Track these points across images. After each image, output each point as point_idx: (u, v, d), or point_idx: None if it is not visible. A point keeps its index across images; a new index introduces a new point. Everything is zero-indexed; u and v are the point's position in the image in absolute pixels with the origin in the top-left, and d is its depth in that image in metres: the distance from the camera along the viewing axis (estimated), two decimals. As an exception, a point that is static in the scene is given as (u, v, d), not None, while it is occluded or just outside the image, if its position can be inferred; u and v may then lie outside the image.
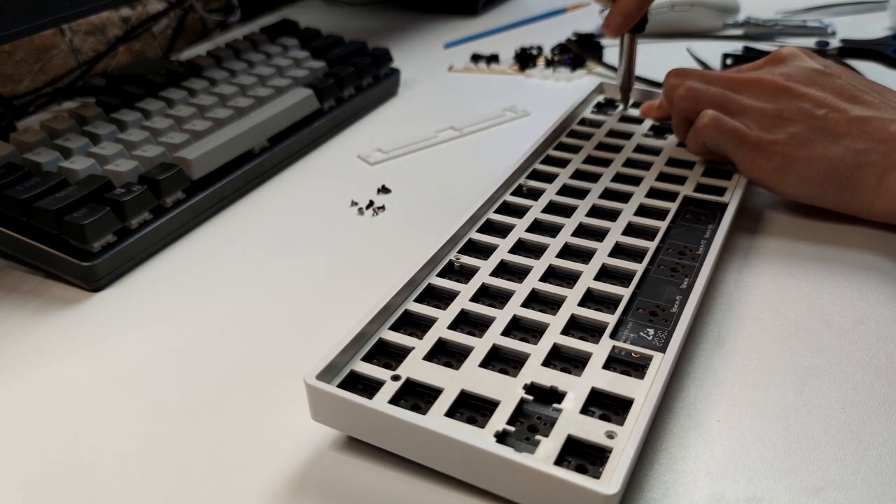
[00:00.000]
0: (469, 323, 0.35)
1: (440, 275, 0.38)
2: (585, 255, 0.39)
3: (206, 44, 0.80)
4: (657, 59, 0.69)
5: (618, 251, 0.39)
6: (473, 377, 0.31)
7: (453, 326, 0.34)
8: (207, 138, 0.50)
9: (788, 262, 0.41)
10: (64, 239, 0.42)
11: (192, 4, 0.79)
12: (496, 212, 0.43)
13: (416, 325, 0.35)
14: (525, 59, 0.70)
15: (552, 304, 0.36)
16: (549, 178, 0.46)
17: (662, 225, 0.41)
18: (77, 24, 0.70)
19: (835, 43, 0.69)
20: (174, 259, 0.45)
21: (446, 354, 0.33)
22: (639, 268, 0.37)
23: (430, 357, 0.32)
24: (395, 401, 0.30)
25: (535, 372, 0.31)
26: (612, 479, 0.26)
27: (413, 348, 0.33)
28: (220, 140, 0.50)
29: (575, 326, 0.34)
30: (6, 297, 0.42)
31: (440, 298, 0.36)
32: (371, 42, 0.68)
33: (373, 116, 0.62)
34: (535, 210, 0.43)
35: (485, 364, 0.32)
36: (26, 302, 0.42)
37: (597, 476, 0.27)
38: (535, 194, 0.44)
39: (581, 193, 0.44)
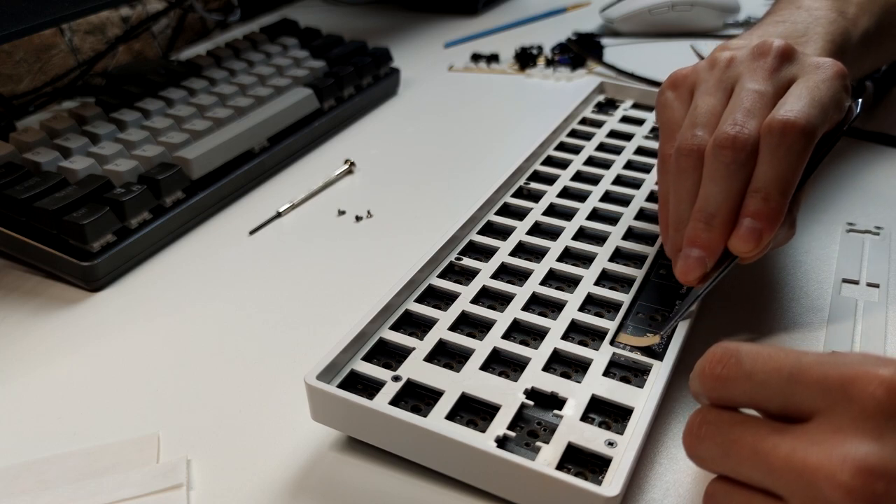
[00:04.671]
0: (470, 324, 0.35)
1: (441, 276, 0.38)
2: (586, 259, 0.39)
3: (206, 43, 0.80)
4: (657, 59, 0.69)
5: (618, 255, 0.39)
6: (474, 380, 0.31)
7: (454, 328, 0.34)
8: (207, 138, 0.50)
9: (789, 263, 0.41)
10: (64, 239, 0.42)
11: (192, 4, 0.79)
12: (497, 213, 0.43)
13: (416, 325, 0.35)
14: (525, 58, 0.70)
15: (553, 308, 0.36)
16: (551, 179, 0.46)
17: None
18: (77, 23, 0.70)
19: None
20: (174, 259, 0.45)
21: (447, 356, 0.33)
22: (639, 273, 0.37)
23: (430, 358, 0.32)
24: (395, 402, 0.30)
25: (536, 376, 0.31)
26: (612, 482, 0.26)
27: (414, 349, 0.33)
28: (220, 140, 0.50)
29: (575, 330, 0.34)
30: (6, 296, 0.42)
31: (441, 299, 0.36)
32: (371, 42, 0.68)
33: (373, 116, 0.62)
34: (536, 212, 0.42)
35: (485, 367, 0.32)
36: (26, 302, 0.41)
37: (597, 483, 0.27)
38: (535, 196, 0.44)
39: (582, 196, 0.44)
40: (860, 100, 0.37)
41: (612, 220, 0.42)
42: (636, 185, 0.45)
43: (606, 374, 0.32)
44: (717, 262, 0.33)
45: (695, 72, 0.38)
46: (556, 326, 0.34)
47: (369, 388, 0.31)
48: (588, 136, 0.51)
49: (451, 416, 0.30)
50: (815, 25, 0.41)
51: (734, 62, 0.36)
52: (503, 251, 0.39)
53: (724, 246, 0.32)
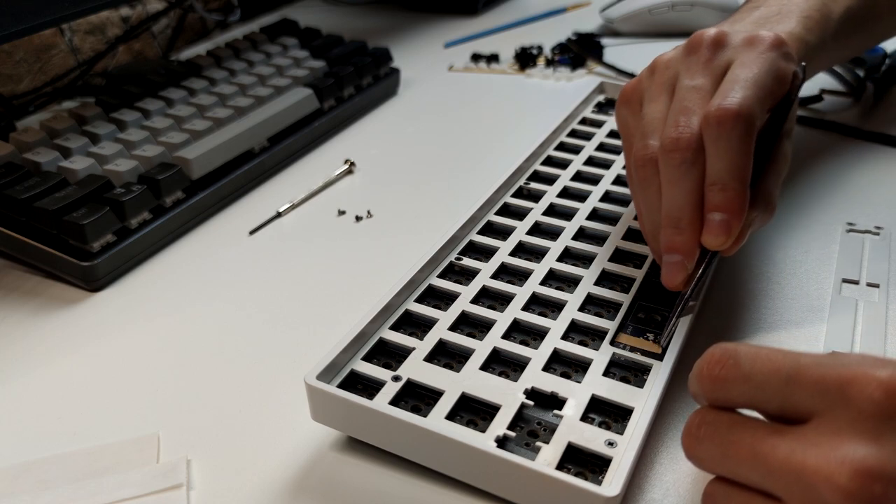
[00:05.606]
0: (470, 324, 0.35)
1: (441, 276, 0.38)
2: (586, 259, 0.39)
3: (206, 43, 0.80)
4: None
5: (618, 256, 0.39)
6: (474, 380, 0.31)
7: (454, 328, 0.34)
8: (207, 138, 0.50)
9: (789, 262, 0.41)
10: (64, 239, 0.42)
11: (192, 4, 0.79)
12: (497, 213, 0.43)
13: (416, 325, 0.35)
14: (525, 58, 0.70)
15: (553, 308, 0.36)
16: (551, 180, 0.46)
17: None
18: (77, 23, 0.70)
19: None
20: (174, 259, 0.45)
21: (447, 356, 0.33)
22: (639, 273, 0.37)
23: (430, 358, 0.32)
24: (395, 402, 0.30)
25: (536, 376, 0.31)
26: (612, 482, 0.26)
27: (414, 349, 0.33)
28: (220, 140, 0.50)
29: (575, 330, 0.34)
30: (6, 296, 0.42)
31: (441, 299, 0.36)
32: (371, 42, 0.68)
33: (373, 116, 0.62)
34: (536, 212, 0.42)
35: (485, 367, 0.32)
36: (26, 302, 0.41)
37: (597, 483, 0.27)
38: (535, 196, 0.44)
39: (582, 196, 0.44)
40: (804, 63, 0.37)
41: (612, 220, 0.42)
42: (636, 185, 0.45)
43: (606, 374, 0.32)
44: (699, 261, 0.33)
45: (640, 81, 0.38)
46: (556, 326, 0.34)
47: (369, 388, 0.31)
48: (588, 137, 0.51)
49: (451, 416, 0.30)
50: (789, 4, 0.41)
51: (672, 62, 0.37)
52: (503, 251, 0.39)
53: (700, 244, 0.32)
